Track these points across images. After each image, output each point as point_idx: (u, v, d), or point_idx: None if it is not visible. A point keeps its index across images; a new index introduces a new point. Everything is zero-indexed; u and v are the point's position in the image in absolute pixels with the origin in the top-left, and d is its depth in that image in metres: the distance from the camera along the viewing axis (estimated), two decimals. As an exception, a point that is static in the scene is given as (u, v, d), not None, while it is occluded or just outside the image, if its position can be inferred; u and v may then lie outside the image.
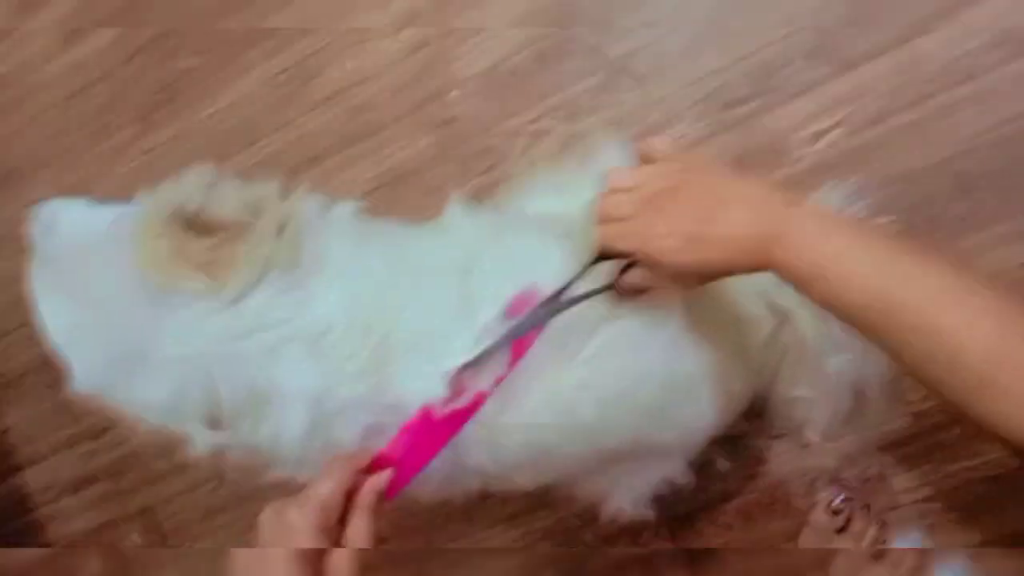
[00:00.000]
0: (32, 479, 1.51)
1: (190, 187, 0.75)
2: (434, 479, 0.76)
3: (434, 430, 0.71)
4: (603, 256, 0.72)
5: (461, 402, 0.72)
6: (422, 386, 0.72)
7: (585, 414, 0.76)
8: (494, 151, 1.19)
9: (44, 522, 1.51)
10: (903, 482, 1.05)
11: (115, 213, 0.76)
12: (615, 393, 0.77)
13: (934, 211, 1.01)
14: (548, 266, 0.78)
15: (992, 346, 0.52)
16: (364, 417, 0.72)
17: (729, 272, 0.66)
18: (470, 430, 0.73)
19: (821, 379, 0.94)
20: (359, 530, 0.64)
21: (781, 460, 1.09)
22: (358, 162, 1.24)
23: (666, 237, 0.65)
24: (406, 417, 0.71)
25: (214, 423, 0.73)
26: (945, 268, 0.56)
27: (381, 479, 0.68)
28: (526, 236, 0.84)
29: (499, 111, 1.19)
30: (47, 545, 1.51)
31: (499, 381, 0.72)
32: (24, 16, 1.42)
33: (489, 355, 0.72)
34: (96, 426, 1.40)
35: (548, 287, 0.74)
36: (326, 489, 0.64)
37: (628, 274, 0.72)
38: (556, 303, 0.74)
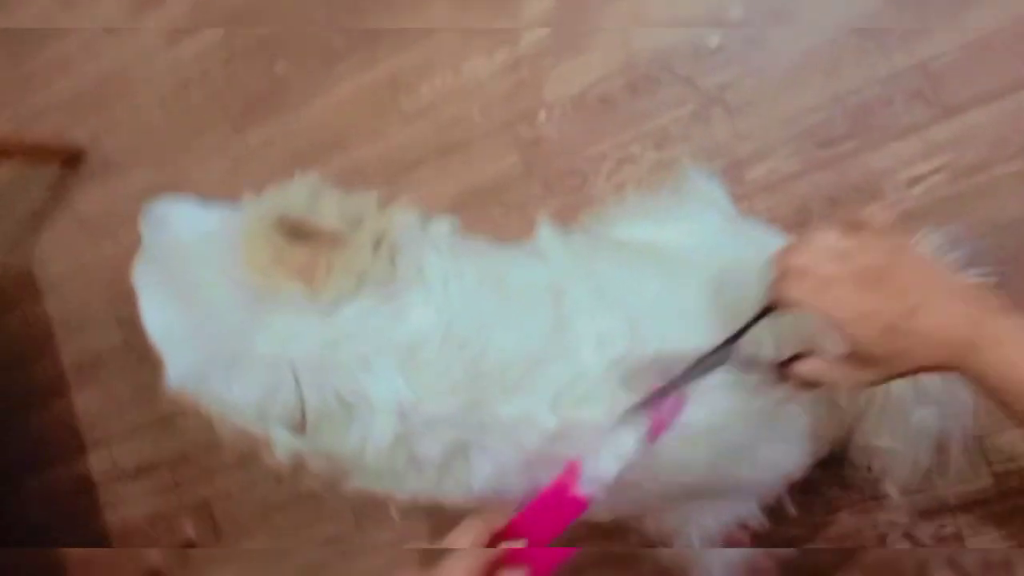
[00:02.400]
0: (95, 462, 1.52)
1: (294, 194, 0.76)
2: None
3: (565, 508, 0.69)
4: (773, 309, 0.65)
5: (590, 485, 0.69)
6: (513, 408, 0.72)
7: (670, 448, 0.75)
8: (578, 173, 1.19)
9: (101, 507, 1.52)
10: (977, 544, 1.02)
11: (221, 214, 0.77)
12: (703, 430, 0.76)
13: (1032, 265, 0.98)
14: (640, 299, 0.77)
15: None
16: (452, 433, 0.72)
17: (916, 371, 0.61)
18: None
19: (904, 431, 0.91)
20: None
21: (853, 510, 1.07)
22: (443, 176, 1.25)
23: (865, 318, 0.59)
24: (495, 437, 0.71)
25: (297, 428, 0.74)
26: None
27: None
28: (619, 265, 0.84)
29: (587, 135, 1.19)
30: (101, 532, 1.53)
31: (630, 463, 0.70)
32: (138, 16, 1.46)
33: (635, 411, 0.71)
34: (164, 415, 1.42)
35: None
36: (461, 569, 0.60)
37: (804, 363, 0.66)
38: (717, 360, 0.69)
